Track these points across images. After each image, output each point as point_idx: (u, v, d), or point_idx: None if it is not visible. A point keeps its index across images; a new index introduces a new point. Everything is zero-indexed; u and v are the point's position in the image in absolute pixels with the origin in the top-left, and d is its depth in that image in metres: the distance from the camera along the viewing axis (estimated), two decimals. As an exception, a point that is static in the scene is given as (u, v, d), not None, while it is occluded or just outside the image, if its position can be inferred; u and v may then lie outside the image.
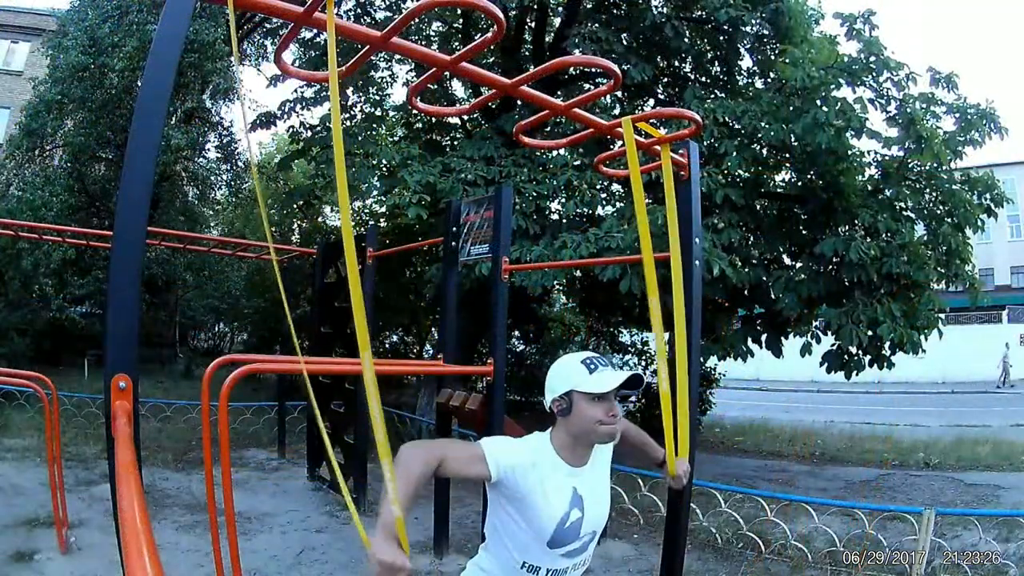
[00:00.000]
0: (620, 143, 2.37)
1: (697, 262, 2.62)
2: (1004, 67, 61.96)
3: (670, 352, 2.20)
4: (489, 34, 1.84)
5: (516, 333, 12.62)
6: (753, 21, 7.81)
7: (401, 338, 15.08)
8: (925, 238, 7.22)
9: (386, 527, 1.23)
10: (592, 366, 1.49)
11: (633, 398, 11.75)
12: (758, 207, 7.73)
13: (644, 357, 12.63)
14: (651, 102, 9.20)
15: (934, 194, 7.09)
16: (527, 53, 9.44)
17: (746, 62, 8.92)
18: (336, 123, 1.38)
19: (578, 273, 7.87)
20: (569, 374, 1.51)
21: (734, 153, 6.63)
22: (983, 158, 7.76)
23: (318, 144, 9.20)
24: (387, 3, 9.98)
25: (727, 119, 6.91)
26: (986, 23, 69.13)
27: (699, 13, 8.24)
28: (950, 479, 7.60)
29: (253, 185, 15.48)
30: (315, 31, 7.36)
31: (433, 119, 10.35)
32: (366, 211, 14.05)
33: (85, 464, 6.03)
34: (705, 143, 6.66)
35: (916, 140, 6.39)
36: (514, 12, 7.54)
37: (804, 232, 7.62)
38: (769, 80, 8.40)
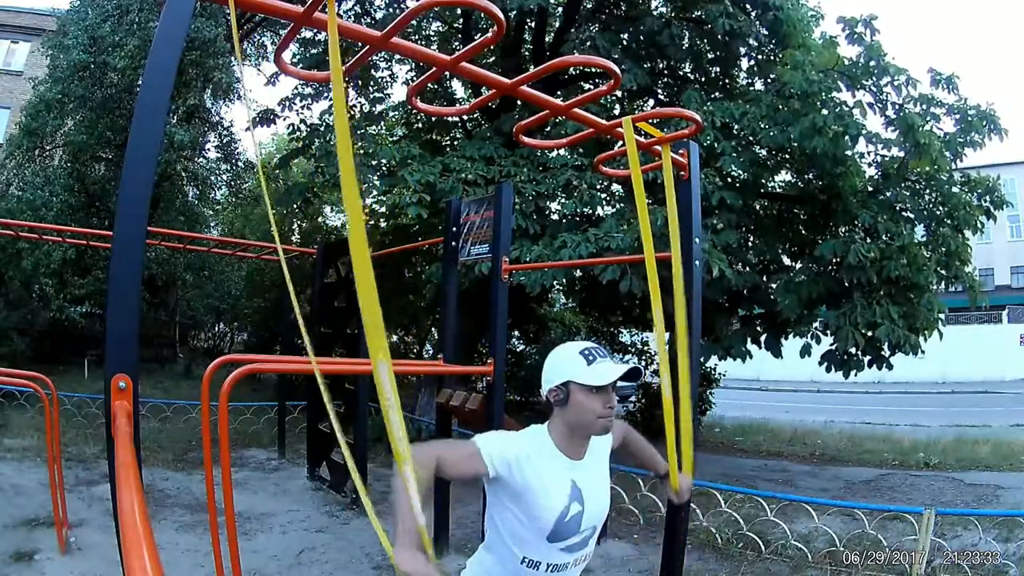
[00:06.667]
0: (620, 143, 2.37)
1: (697, 262, 2.63)
2: (1004, 68, 62.00)
3: (671, 353, 2.19)
4: (489, 34, 1.84)
5: (516, 333, 12.61)
6: (752, 30, 7.82)
7: (401, 338, 15.08)
8: (925, 239, 7.22)
9: (408, 534, 1.19)
10: (591, 357, 1.46)
11: (633, 397, 11.77)
12: (757, 207, 7.72)
13: (644, 357, 12.63)
14: (651, 102, 9.20)
15: (934, 195, 7.09)
16: (527, 54, 9.43)
17: (745, 62, 8.93)
18: (341, 122, 1.34)
19: (578, 273, 7.86)
20: (567, 364, 1.48)
21: (732, 153, 6.62)
22: (983, 158, 7.76)
23: (318, 140, 9.18)
24: (387, 3, 9.98)
25: (726, 121, 6.90)
26: (986, 24, 69.21)
27: (699, 13, 8.23)
28: (950, 479, 7.60)
29: (253, 185, 15.47)
30: (315, 30, 7.35)
31: (433, 119, 10.35)
32: (366, 210, 14.02)
33: (85, 464, 6.03)
34: (704, 144, 6.66)
35: (915, 145, 6.40)
36: (514, 12, 7.52)
37: (804, 233, 7.62)
38: (769, 80, 8.40)
